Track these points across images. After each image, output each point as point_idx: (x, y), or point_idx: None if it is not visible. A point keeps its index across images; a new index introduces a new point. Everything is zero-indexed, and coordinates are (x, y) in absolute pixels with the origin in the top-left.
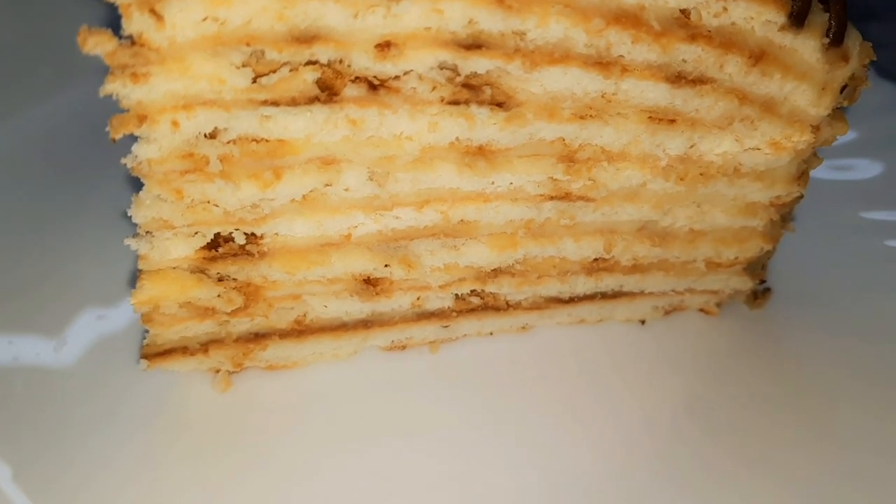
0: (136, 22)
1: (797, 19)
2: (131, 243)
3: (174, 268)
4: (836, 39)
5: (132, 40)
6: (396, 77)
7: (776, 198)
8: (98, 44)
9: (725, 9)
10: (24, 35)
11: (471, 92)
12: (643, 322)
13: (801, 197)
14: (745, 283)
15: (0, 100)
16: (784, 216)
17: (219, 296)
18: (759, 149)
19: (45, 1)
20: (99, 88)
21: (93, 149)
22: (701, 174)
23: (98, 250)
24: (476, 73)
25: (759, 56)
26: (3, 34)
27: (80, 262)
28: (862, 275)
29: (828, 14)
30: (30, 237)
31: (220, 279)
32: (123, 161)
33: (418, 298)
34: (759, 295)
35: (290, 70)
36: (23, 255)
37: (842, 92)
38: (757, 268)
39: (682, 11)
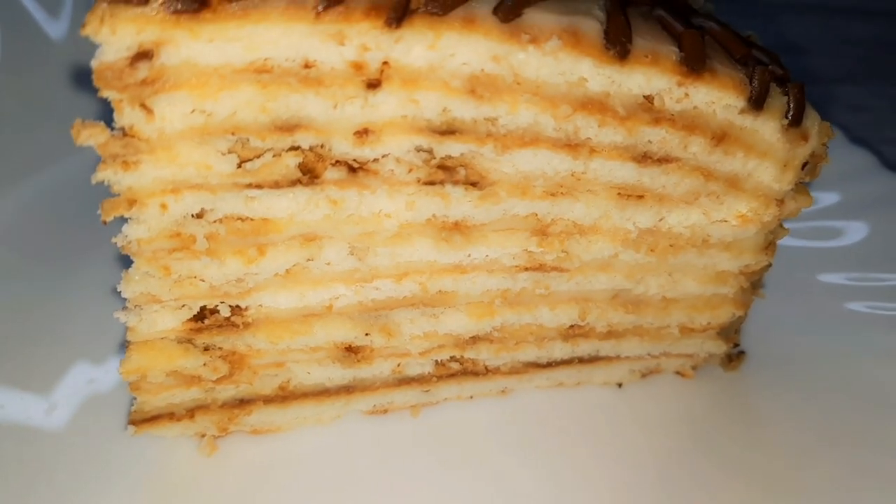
0: (127, 116)
1: (756, 103)
2: (120, 316)
3: (161, 339)
4: (794, 120)
5: (123, 132)
6: (375, 160)
7: (745, 266)
8: (91, 136)
9: (687, 94)
10: (25, 107)
11: (446, 173)
12: (620, 385)
13: (770, 265)
14: (720, 347)
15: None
16: (754, 283)
17: (204, 364)
18: (726, 221)
19: (41, 80)
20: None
21: (87, 222)
22: (671, 245)
23: (89, 321)
24: (450, 155)
25: (722, 137)
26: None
27: (73, 325)
28: (829, 337)
29: (786, 97)
30: (25, 304)
31: (206, 348)
32: (114, 240)
33: (398, 365)
34: (734, 357)
35: (274, 155)
36: (17, 321)
37: (803, 168)
38: (730, 332)
39: (646, 97)
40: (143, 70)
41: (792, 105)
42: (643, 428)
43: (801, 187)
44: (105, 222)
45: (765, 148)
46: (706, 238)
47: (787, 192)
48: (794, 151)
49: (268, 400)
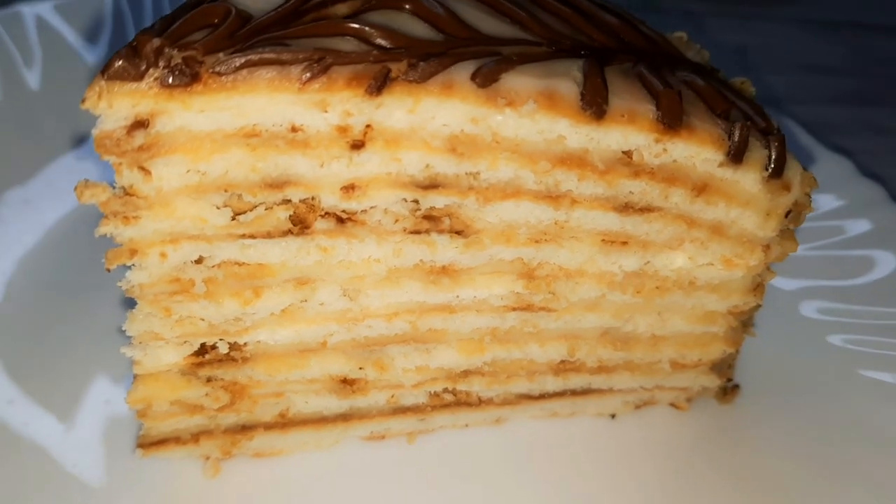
0: (126, 177)
1: (734, 158)
2: (127, 351)
3: (165, 371)
4: (775, 173)
5: (124, 190)
6: (364, 211)
7: (734, 307)
8: (93, 195)
9: (665, 150)
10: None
11: (431, 222)
12: (613, 416)
13: (759, 306)
14: (713, 381)
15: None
16: (744, 322)
17: (206, 395)
18: (712, 265)
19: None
20: None
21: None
22: (657, 287)
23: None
24: (435, 206)
25: (702, 188)
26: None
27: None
28: (822, 372)
29: (767, 150)
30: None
31: (208, 380)
32: (119, 284)
33: (392, 396)
34: (728, 391)
35: (266, 209)
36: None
37: (787, 216)
38: (723, 367)
39: (625, 153)
40: (139, 138)
41: (773, 158)
42: (636, 458)
43: (788, 233)
44: (108, 270)
45: (746, 198)
46: (693, 280)
47: (772, 238)
48: (777, 201)
49: (268, 426)
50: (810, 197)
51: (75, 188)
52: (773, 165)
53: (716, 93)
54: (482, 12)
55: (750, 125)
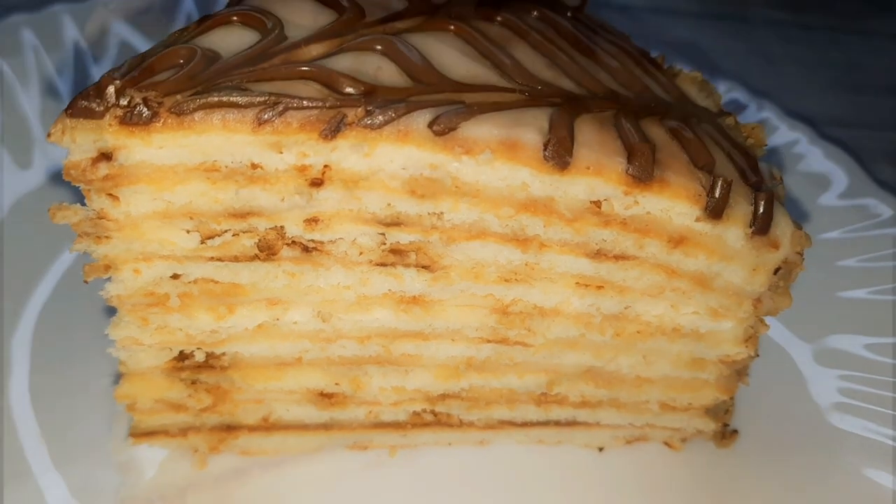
0: (95, 202)
1: (713, 213)
2: (112, 352)
3: (150, 371)
4: (760, 230)
5: (96, 213)
6: (331, 241)
7: (725, 356)
8: (65, 217)
9: (637, 202)
10: None
11: (398, 256)
12: (601, 449)
13: (754, 357)
14: (708, 425)
15: None
16: (738, 371)
17: (189, 396)
18: (697, 314)
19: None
20: None
21: None
22: (639, 332)
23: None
24: (400, 242)
25: (680, 240)
26: None
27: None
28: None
29: (752, 206)
30: None
31: (192, 382)
32: (100, 293)
33: (371, 411)
34: (726, 435)
35: (233, 235)
36: None
37: (776, 273)
38: (719, 412)
39: (594, 202)
40: (104, 168)
41: (757, 214)
42: (622, 493)
43: (783, 288)
44: (86, 282)
45: (730, 253)
46: (677, 328)
47: (762, 293)
48: (764, 258)
49: (252, 429)
50: (802, 256)
51: (49, 210)
52: (757, 222)
53: (700, 145)
54: (461, 55)
55: (731, 181)
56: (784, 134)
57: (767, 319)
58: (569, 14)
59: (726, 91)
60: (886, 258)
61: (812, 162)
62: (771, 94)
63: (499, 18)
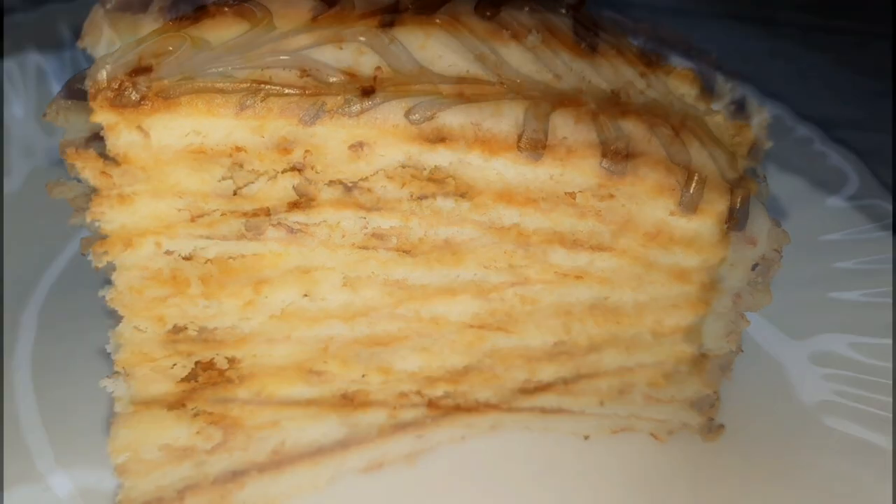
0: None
1: (686, 208)
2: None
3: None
4: (735, 226)
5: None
6: (315, 224)
7: (706, 350)
8: (61, 192)
9: (612, 195)
10: None
11: (379, 240)
12: (587, 438)
13: (736, 352)
14: (694, 418)
15: None
16: (721, 366)
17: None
18: (676, 306)
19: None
20: None
21: None
22: (618, 323)
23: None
24: (381, 227)
25: (656, 234)
26: None
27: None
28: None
29: (729, 202)
30: None
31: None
32: (101, 294)
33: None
34: (712, 429)
35: (221, 214)
36: None
37: (754, 269)
38: (704, 406)
39: (568, 193)
40: (96, 147)
41: (735, 210)
42: (602, 482)
43: (762, 285)
44: (98, 268)
45: (706, 246)
46: (658, 320)
47: (742, 288)
48: (741, 254)
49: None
50: (780, 253)
51: (46, 185)
52: (733, 218)
53: (678, 141)
54: (445, 48)
55: (706, 176)
56: (796, 133)
57: (758, 317)
58: (563, 11)
59: (734, 91)
60: (884, 261)
61: (823, 163)
62: (785, 97)
63: (488, 14)
